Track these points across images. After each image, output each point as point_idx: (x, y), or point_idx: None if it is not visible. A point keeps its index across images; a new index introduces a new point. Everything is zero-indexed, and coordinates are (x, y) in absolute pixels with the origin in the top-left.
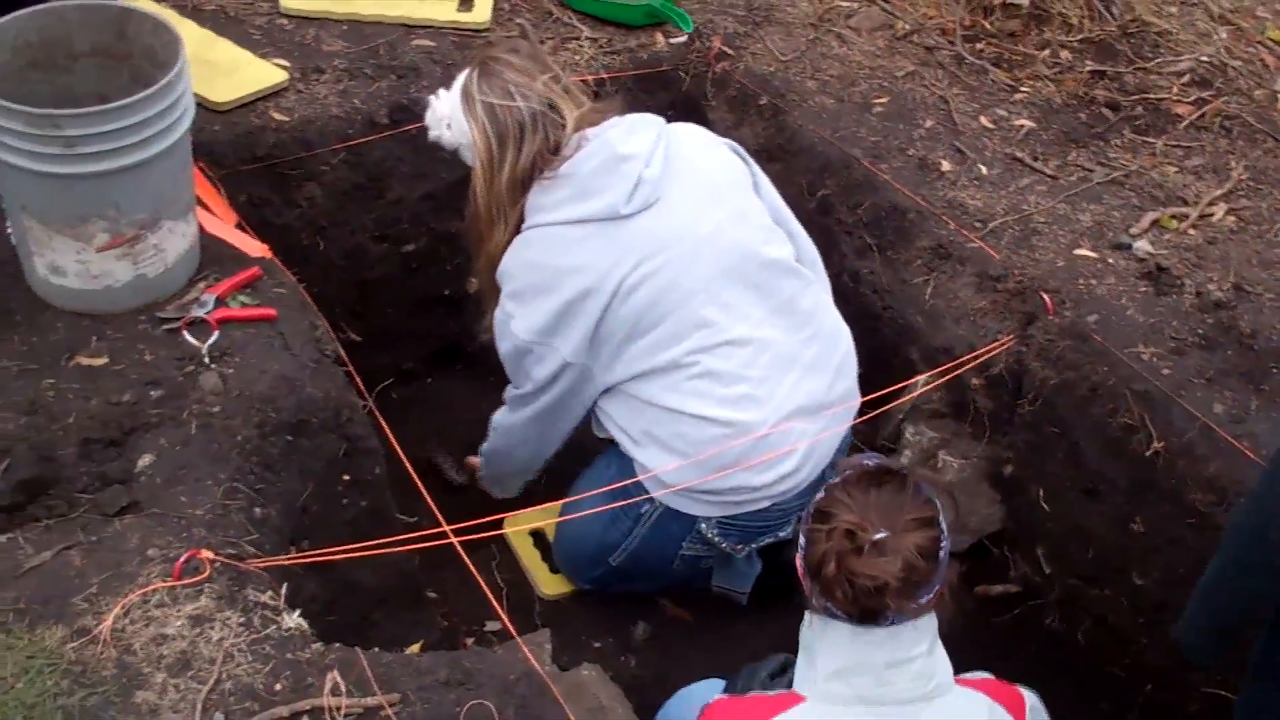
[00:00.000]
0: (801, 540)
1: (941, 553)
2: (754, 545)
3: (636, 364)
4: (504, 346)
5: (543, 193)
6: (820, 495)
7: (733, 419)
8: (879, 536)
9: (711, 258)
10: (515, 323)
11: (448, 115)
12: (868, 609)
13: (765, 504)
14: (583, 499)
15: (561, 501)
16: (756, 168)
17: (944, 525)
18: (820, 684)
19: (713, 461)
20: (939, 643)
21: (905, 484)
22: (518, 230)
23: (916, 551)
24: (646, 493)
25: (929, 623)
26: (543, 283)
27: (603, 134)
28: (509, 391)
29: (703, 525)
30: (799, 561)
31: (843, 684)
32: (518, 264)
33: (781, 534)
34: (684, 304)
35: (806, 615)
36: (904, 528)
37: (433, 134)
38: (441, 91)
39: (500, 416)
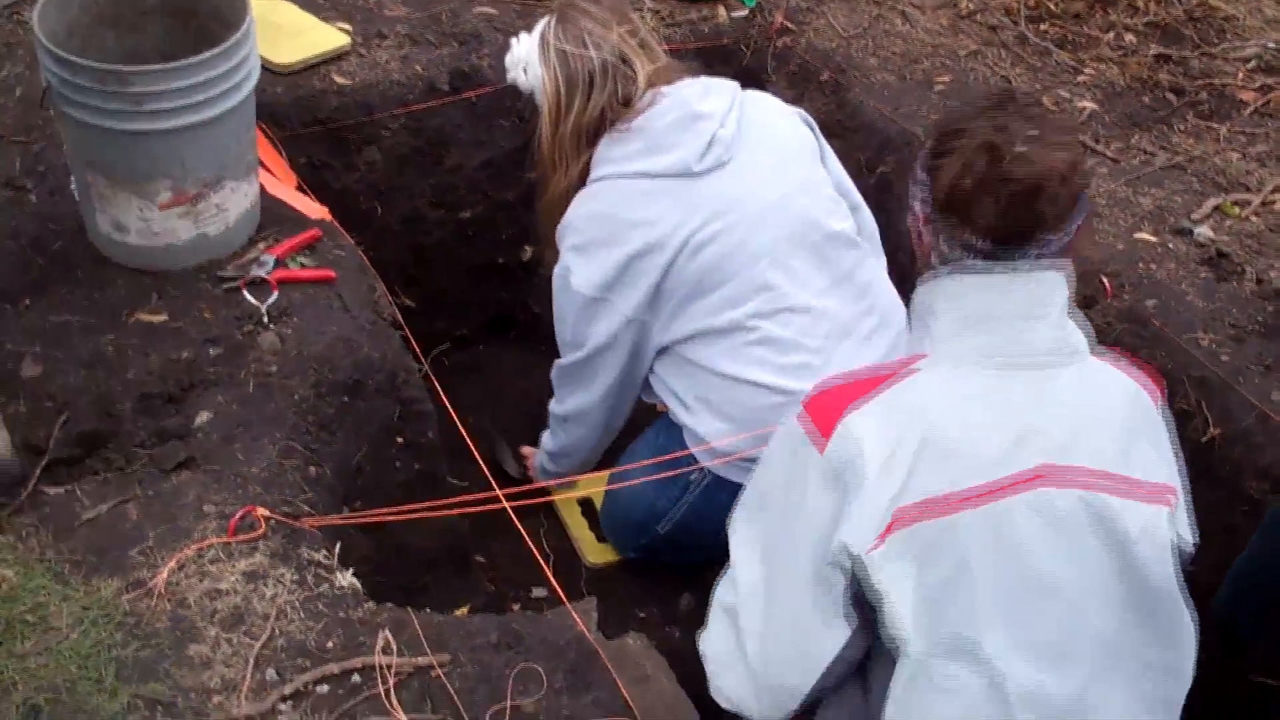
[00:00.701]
0: (920, 177)
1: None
2: None
3: (696, 323)
4: (561, 303)
5: (612, 145)
6: (940, 119)
7: (789, 387)
8: (1029, 134)
9: (778, 223)
10: (575, 277)
11: (524, 59)
12: (1016, 227)
13: None
14: (631, 468)
15: (609, 471)
16: (823, 139)
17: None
18: (940, 346)
19: (766, 430)
20: (1071, 310)
21: (1039, 101)
22: (582, 183)
23: (1069, 161)
24: (695, 461)
25: (1065, 278)
26: (607, 235)
27: (678, 91)
28: (562, 373)
29: None
30: (915, 210)
31: (968, 341)
32: (581, 216)
33: None
34: (749, 266)
35: (919, 286)
36: (1050, 136)
37: (510, 76)
38: (522, 35)
39: (564, 405)
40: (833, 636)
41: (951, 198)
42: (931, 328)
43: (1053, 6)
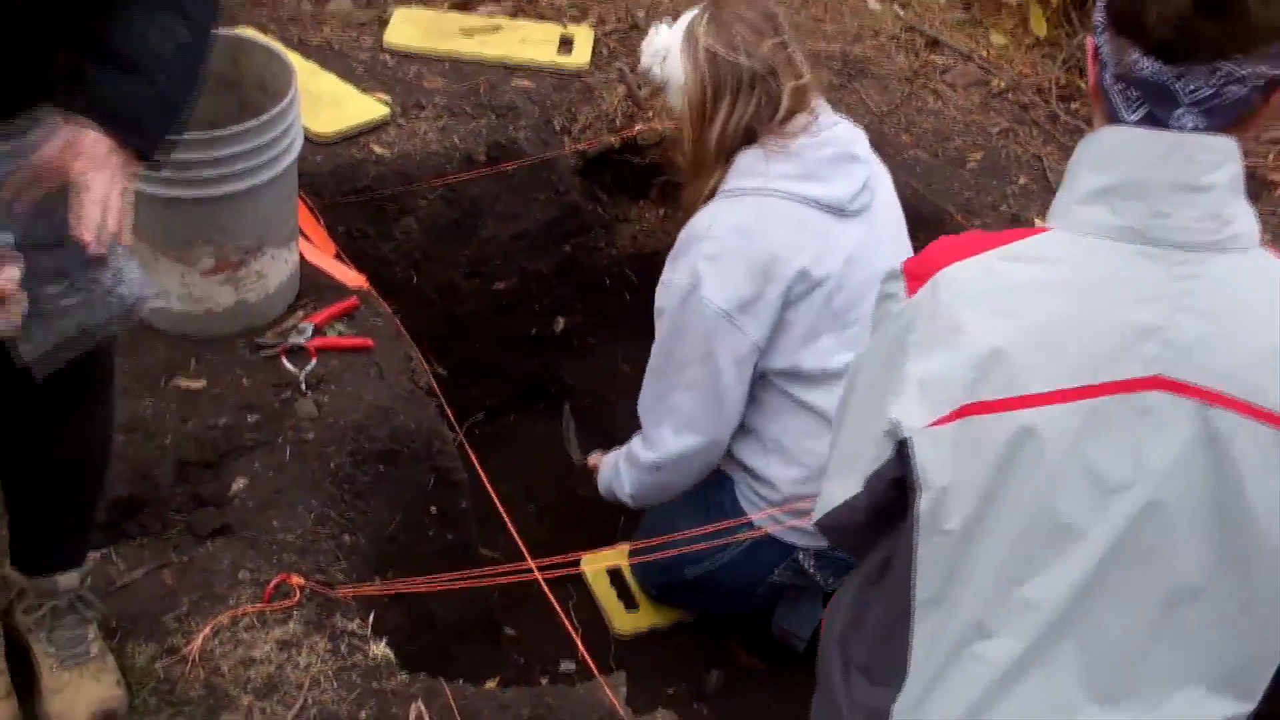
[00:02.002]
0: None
1: None
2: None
3: (808, 361)
4: (679, 318)
5: (768, 160)
6: None
7: None
8: None
9: None
10: (706, 287)
11: (665, 49)
12: (1197, 28)
13: None
14: (678, 519)
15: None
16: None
17: None
18: (1075, 208)
19: None
20: (1244, 194)
21: None
22: (713, 193)
23: None
24: (747, 520)
25: (1237, 149)
26: (752, 249)
27: (833, 127)
28: (660, 407)
29: (800, 555)
30: (1091, 54)
31: (1105, 207)
32: (723, 225)
33: None
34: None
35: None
36: None
37: (644, 63)
38: (664, 25)
39: (661, 449)
40: (845, 485)
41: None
42: (1074, 188)
43: (1084, 85)
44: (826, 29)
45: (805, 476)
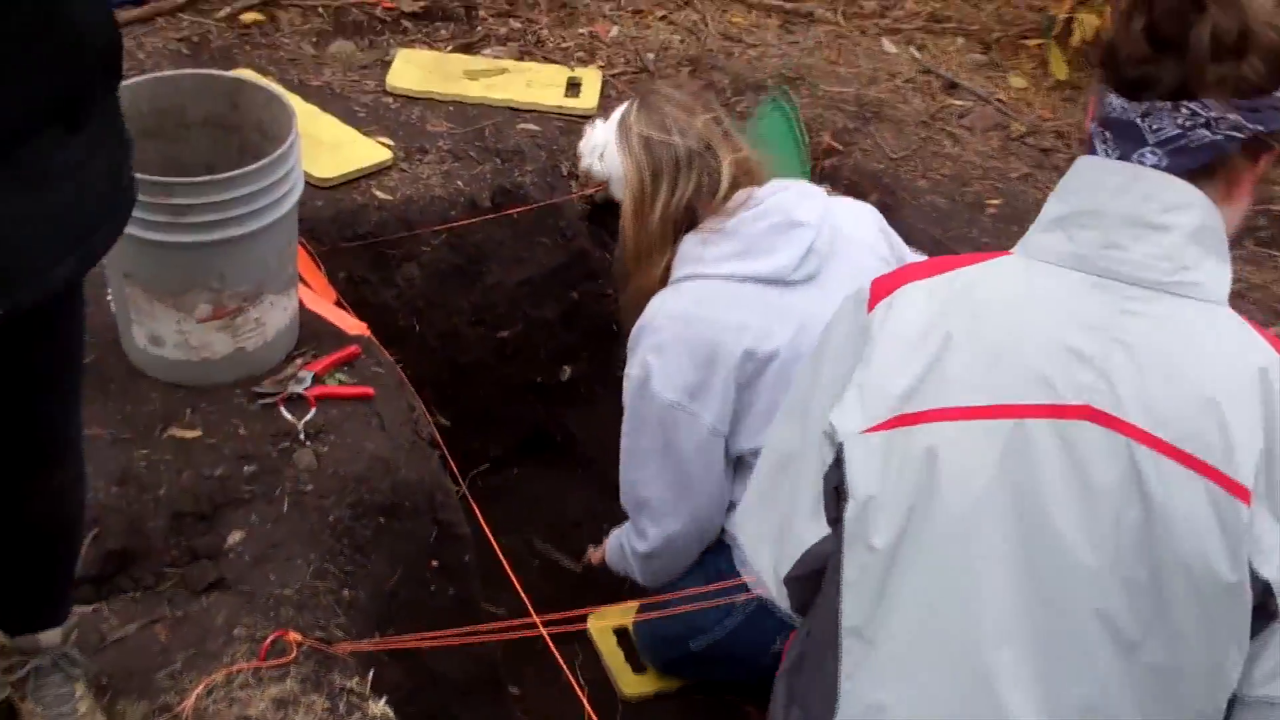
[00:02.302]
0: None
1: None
2: None
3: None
4: (637, 411)
5: (702, 244)
6: None
7: None
8: None
9: None
10: (655, 379)
11: (602, 145)
12: (1154, 72)
13: None
14: (672, 596)
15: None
16: (895, 237)
17: None
18: (1034, 235)
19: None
20: (1222, 251)
21: None
22: (664, 280)
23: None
24: (743, 582)
25: (1208, 202)
26: (692, 335)
27: (773, 195)
28: (637, 499)
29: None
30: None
31: (1061, 235)
32: (665, 314)
33: None
34: None
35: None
36: None
37: (584, 163)
38: (599, 121)
39: (647, 541)
40: (814, 528)
41: (1103, 38)
42: (1036, 221)
43: None
44: (840, 71)
45: None
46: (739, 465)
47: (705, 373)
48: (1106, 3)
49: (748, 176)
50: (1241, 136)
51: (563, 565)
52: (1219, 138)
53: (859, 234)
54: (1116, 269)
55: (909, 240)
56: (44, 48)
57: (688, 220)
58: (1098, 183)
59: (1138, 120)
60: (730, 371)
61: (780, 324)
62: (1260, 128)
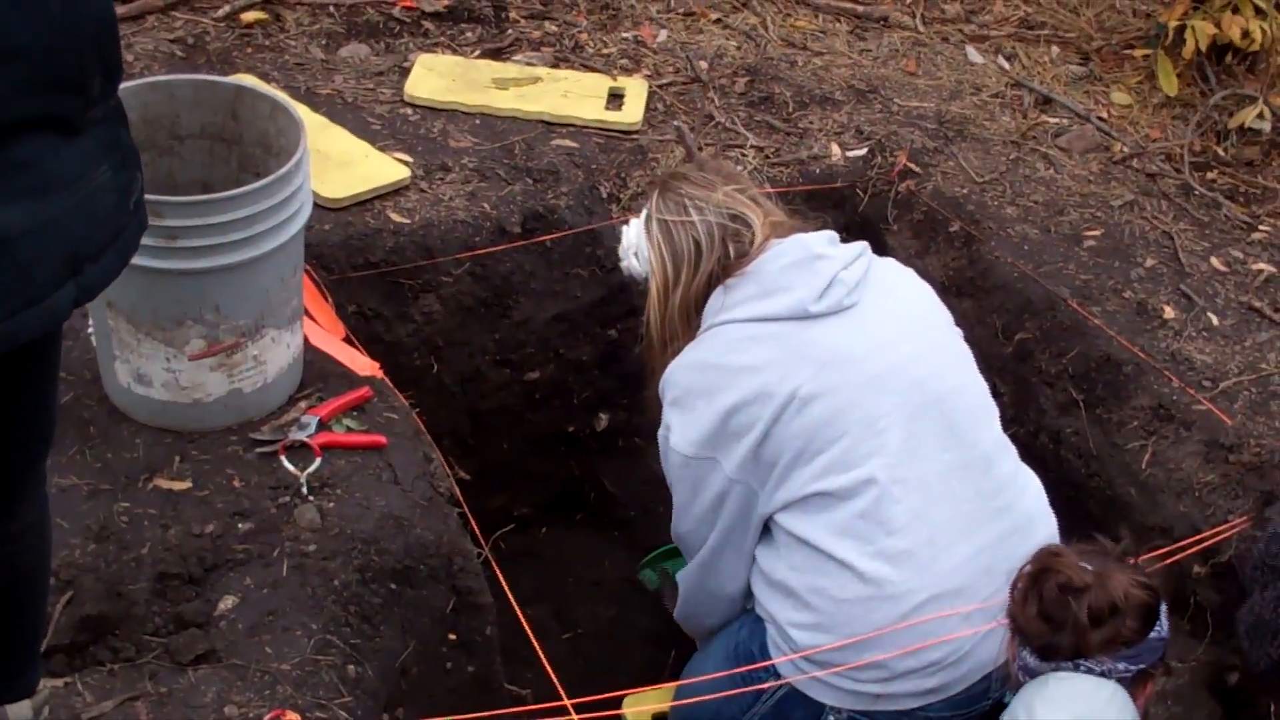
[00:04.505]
0: None
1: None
2: None
3: (797, 489)
4: (668, 471)
5: (724, 294)
6: None
7: (882, 576)
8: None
9: (904, 385)
10: (674, 435)
11: (635, 243)
12: (1055, 643)
13: (909, 704)
14: (699, 681)
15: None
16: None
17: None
18: None
19: (849, 627)
20: None
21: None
22: None
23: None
24: (772, 666)
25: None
26: (707, 384)
27: (795, 236)
28: (675, 530)
29: (831, 717)
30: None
31: None
32: (681, 367)
33: None
34: (861, 429)
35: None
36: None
37: (623, 265)
38: (634, 219)
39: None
40: None
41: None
42: None
43: (1222, 152)
44: (919, 84)
45: (816, 622)
46: (766, 532)
47: (725, 422)
48: (1225, 9)
49: (779, 233)
50: (1129, 675)
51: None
52: (1113, 680)
53: (905, 281)
54: None
55: (995, 273)
56: (29, 16)
57: (709, 292)
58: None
59: (1050, 670)
60: (750, 417)
61: (799, 361)
62: (1142, 665)
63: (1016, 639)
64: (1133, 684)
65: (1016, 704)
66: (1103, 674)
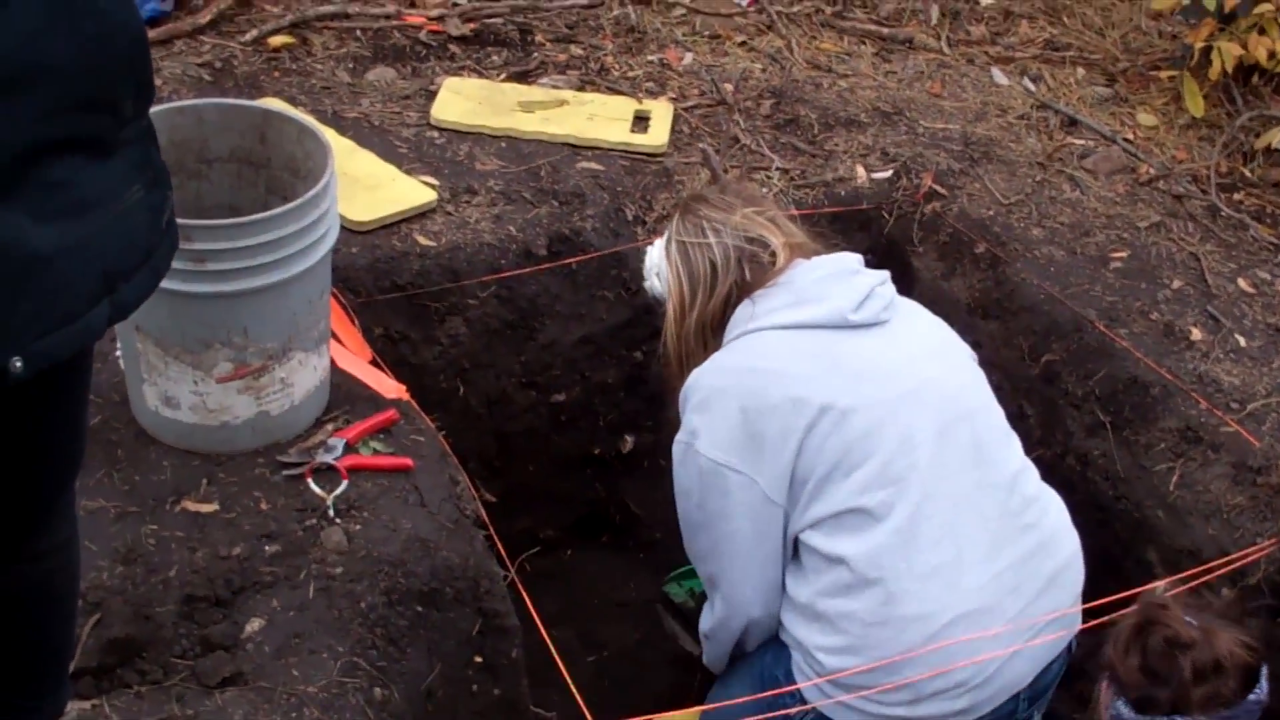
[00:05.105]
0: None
1: None
2: None
3: (827, 506)
4: (683, 479)
5: (751, 305)
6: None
7: (914, 597)
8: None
9: (936, 401)
10: (701, 440)
11: (657, 264)
12: (1151, 695)
13: None
14: (731, 687)
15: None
16: None
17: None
18: None
19: (877, 650)
20: None
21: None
22: None
23: None
24: (798, 692)
25: None
26: (740, 387)
27: (830, 254)
28: (691, 548)
29: None
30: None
31: None
32: (709, 371)
33: None
34: (896, 445)
35: None
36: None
37: (647, 285)
38: (658, 240)
39: (703, 620)
40: None
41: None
42: None
43: (1249, 173)
44: (944, 105)
45: (845, 645)
46: (796, 551)
47: (755, 428)
48: (1251, 29)
49: (801, 253)
50: None
51: (687, 649)
52: None
53: (927, 315)
54: None
55: (1021, 295)
56: (63, 35)
57: (726, 313)
58: None
59: None
60: (782, 426)
61: (835, 371)
62: None
63: (1112, 687)
64: None
65: None
66: None
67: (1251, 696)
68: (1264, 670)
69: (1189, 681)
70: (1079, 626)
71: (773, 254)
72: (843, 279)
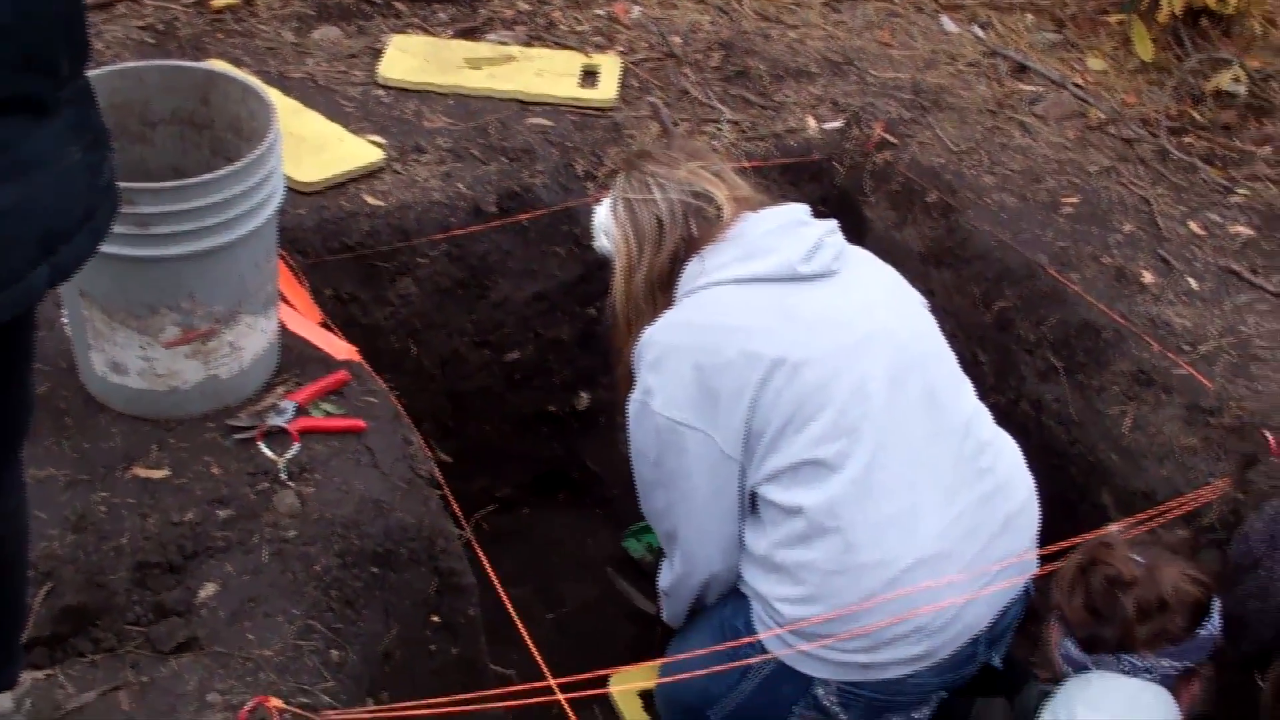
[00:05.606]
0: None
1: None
2: None
3: (784, 458)
4: (639, 438)
5: (700, 261)
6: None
7: (872, 545)
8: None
9: (889, 348)
10: (657, 399)
11: (605, 223)
12: (1098, 635)
13: (897, 672)
14: (691, 639)
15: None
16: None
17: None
18: None
19: (837, 598)
20: None
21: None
22: None
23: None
24: (758, 642)
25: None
26: (693, 343)
27: (777, 206)
28: (648, 507)
29: (819, 689)
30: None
31: None
32: (663, 327)
33: (915, 715)
34: (849, 396)
35: (1062, 681)
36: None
37: (596, 244)
38: (606, 199)
39: (662, 577)
40: None
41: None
42: None
43: (1198, 116)
44: (894, 54)
45: (804, 595)
46: (753, 505)
47: (709, 384)
48: None
49: (747, 206)
50: (1174, 673)
51: (641, 608)
52: (1157, 678)
53: (875, 262)
54: None
55: (974, 243)
56: None
57: (674, 270)
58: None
59: (1090, 664)
60: (736, 381)
61: (788, 324)
62: (1188, 662)
63: (1060, 627)
64: (1178, 682)
65: (1057, 703)
66: (1146, 670)
67: (1202, 631)
68: (1215, 604)
69: (1133, 619)
70: (1036, 570)
71: (718, 208)
72: (790, 231)
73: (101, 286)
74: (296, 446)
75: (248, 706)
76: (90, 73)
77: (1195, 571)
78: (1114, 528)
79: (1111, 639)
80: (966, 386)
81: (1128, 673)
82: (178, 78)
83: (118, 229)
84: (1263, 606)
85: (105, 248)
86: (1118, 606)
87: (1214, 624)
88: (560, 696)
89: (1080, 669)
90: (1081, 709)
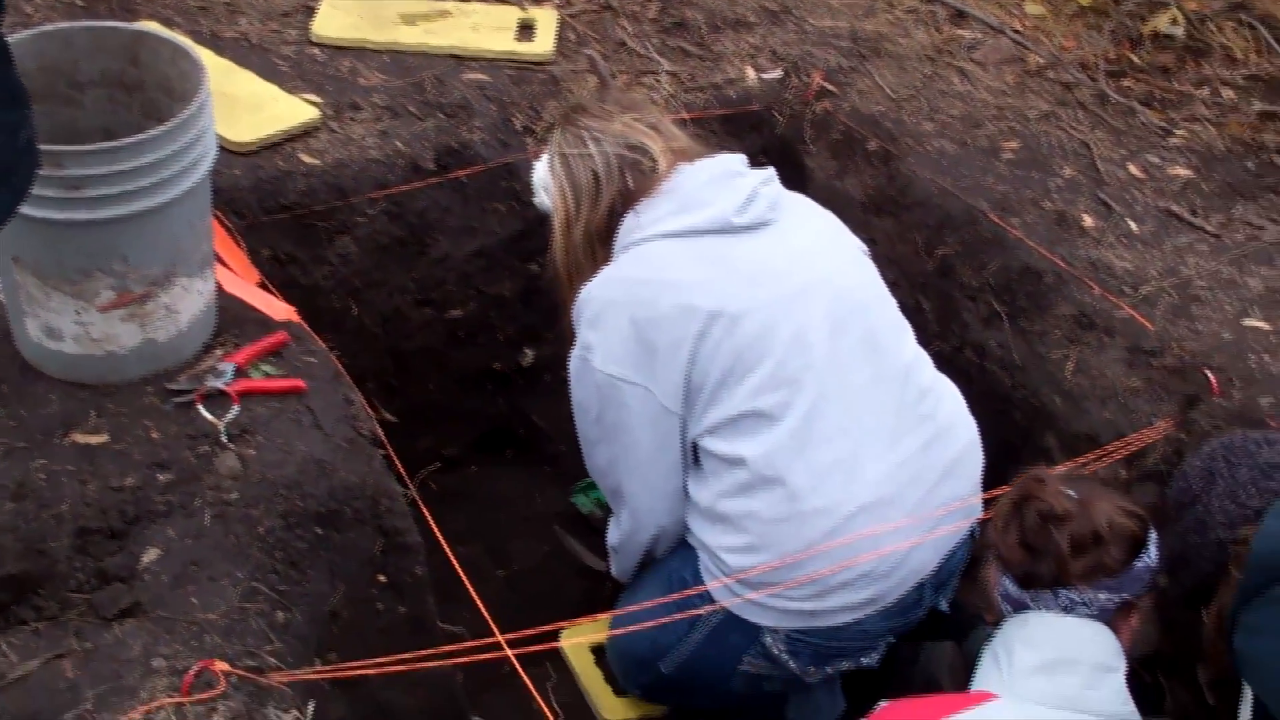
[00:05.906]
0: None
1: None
2: (828, 670)
3: (724, 410)
4: (580, 395)
5: (635, 216)
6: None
7: (813, 492)
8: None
9: (828, 296)
10: (597, 355)
11: (543, 179)
12: (1034, 571)
13: (844, 619)
14: (639, 592)
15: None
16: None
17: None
18: (1018, 680)
19: (781, 546)
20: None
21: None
22: None
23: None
24: (706, 592)
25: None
26: (630, 298)
27: (711, 157)
28: (592, 464)
29: (768, 638)
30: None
31: (1045, 680)
32: (602, 283)
33: (864, 660)
34: (789, 346)
35: (1002, 622)
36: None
37: (537, 201)
38: (545, 155)
39: (609, 533)
40: None
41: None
42: (1012, 662)
43: (1137, 59)
44: (832, 2)
45: (749, 544)
46: (696, 457)
47: (647, 339)
48: None
49: (684, 158)
50: (1112, 606)
51: (590, 565)
52: (1095, 611)
53: (813, 209)
54: (1096, 707)
55: (914, 190)
56: None
57: (612, 223)
58: (1069, 634)
59: (1028, 601)
60: (673, 335)
61: (725, 277)
62: (1126, 595)
63: (997, 565)
64: (1116, 615)
65: (996, 643)
66: (1084, 604)
67: (1139, 564)
68: (1153, 536)
69: (1067, 554)
70: (980, 514)
71: (654, 161)
72: (725, 182)
73: (34, 251)
74: (236, 408)
75: (193, 670)
76: (14, 35)
77: (1129, 504)
78: (1059, 469)
79: (1047, 574)
80: (908, 333)
81: (1065, 608)
82: (106, 38)
83: (49, 192)
84: (1202, 540)
85: (37, 211)
86: (1051, 541)
87: (1150, 556)
88: (509, 652)
89: (1020, 607)
90: (1020, 648)
